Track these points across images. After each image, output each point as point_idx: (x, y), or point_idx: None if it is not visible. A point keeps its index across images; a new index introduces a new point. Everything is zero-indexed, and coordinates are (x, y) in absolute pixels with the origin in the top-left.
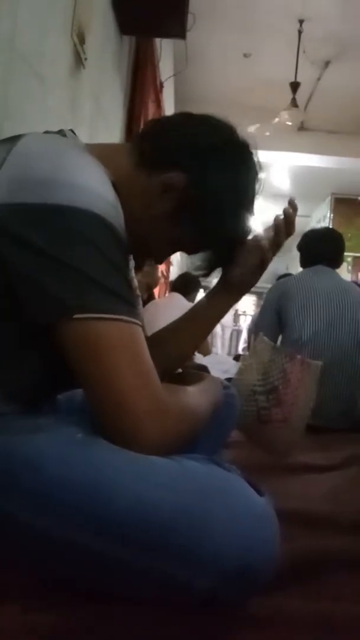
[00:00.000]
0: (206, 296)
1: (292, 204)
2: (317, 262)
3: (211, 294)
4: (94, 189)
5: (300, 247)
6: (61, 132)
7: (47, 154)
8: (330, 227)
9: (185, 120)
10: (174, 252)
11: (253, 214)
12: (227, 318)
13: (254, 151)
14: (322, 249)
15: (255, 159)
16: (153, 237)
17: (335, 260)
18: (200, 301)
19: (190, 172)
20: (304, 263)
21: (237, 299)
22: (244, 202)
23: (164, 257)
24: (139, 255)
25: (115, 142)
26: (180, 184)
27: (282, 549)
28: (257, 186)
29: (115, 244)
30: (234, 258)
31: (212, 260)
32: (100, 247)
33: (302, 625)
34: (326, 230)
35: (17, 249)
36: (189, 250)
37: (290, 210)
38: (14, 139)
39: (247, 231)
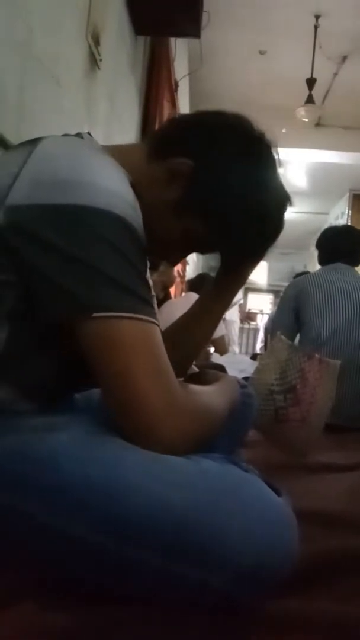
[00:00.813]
0: (208, 289)
1: None
2: (335, 259)
3: (213, 283)
4: (113, 189)
5: (318, 245)
6: (79, 135)
7: (66, 155)
8: (349, 224)
9: (197, 113)
10: (187, 251)
11: (274, 212)
12: (231, 312)
13: (270, 141)
14: (340, 246)
15: (273, 153)
16: (163, 231)
17: (354, 258)
18: (205, 291)
19: (197, 158)
20: (322, 260)
21: (240, 283)
22: (257, 192)
23: (177, 257)
24: (153, 256)
25: (131, 142)
26: (187, 169)
27: (301, 550)
28: (276, 182)
29: (134, 243)
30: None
31: (224, 261)
32: (119, 247)
33: (320, 628)
34: (345, 227)
35: (36, 249)
36: (201, 248)
37: None
38: (34, 142)
39: (263, 229)
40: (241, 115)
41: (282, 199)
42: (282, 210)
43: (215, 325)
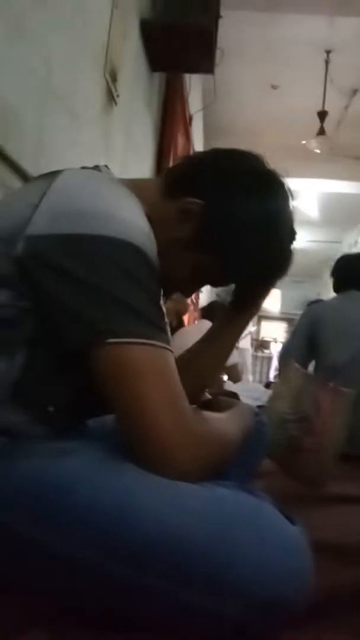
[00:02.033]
0: (224, 314)
1: None
2: (349, 287)
3: (226, 314)
4: (130, 220)
5: (333, 272)
6: (96, 168)
7: (85, 187)
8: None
9: (211, 152)
10: (198, 284)
11: (284, 247)
12: (244, 340)
13: (283, 180)
14: (355, 273)
15: (285, 187)
16: (176, 266)
17: None
18: (219, 320)
19: (207, 197)
20: (337, 288)
21: (254, 312)
22: (268, 232)
23: (189, 290)
24: (166, 287)
25: (147, 177)
26: (197, 209)
27: (315, 582)
28: (286, 217)
29: (149, 272)
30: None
31: (238, 294)
32: (134, 275)
33: None
34: (356, 255)
35: (54, 276)
36: (212, 282)
37: None
38: (53, 175)
39: (274, 264)
40: (252, 153)
41: (290, 233)
42: (290, 243)
43: (228, 353)
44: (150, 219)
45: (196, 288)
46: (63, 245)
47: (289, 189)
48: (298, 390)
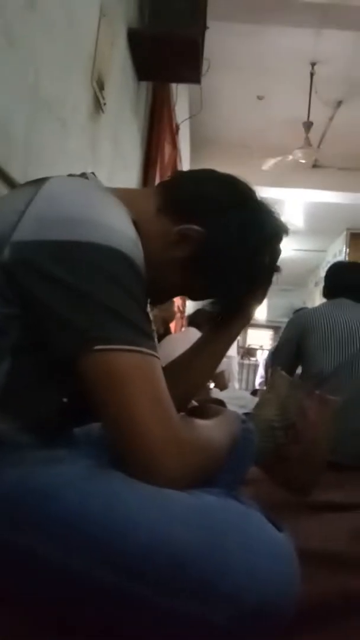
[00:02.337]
0: (215, 323)
1: None
2: (339, 294)
3: (216, 324)
4: (117, 227)
5: (325, 279)
6: (83, 175)
7: (71, 194)
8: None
9: (209, 176)
10: (176, 296)
11: (266, 276)
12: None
13: (274, 211)
14: (345, 280)
15: (276, 218)
16: (161, 278)
17: (358, 294)
18: (210, 329)
19: (209, 228)
20: (327, 294)
21: (245, 322)
22: (257, 264)
23: (164, 300)
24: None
25: (135, 188)
26: (198, 237)
27: (302, 590)
28: (275, 247)
29: (136, 279)
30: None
31: (217, 307)
32: (122, 282)
33: None
34: (352, 263)
35: (40, 283)
36: (193, 298)
37: None
38: (40, 181)
39: (255, 291)
40: (244, 182)
41: (277, 253)
42: (275, 263)
43: (217, 363)
44: (137, 228)
45: (170, 298)
46: (50, 252)
47: (279, 218)
48: (284, 397)
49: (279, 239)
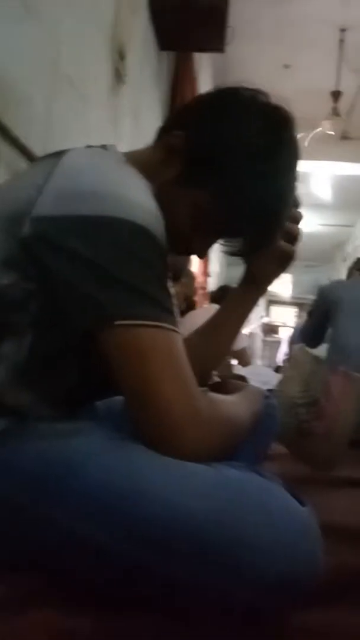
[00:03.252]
0: (231, 295)
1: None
2: None
3: (236, 292)
4: (138, 201)
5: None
6: (103, 147)
7: (91, 167)
8: None
9: (229, 112)
10: (204, 236)
11: (286, 178)
12: (254, 325)
13: (286, 110)
14: None
15: (289, 116)
16: (175, 216)
17: None
18: (227, 301)
19: (189, 128)
20: (358, 268)
21: (261, 293)
22: (265, 157)
23: (199, 246)
24: (180, 252)
25: (150, 145)
26: (179, 141)
27: (325, 564)
28: (289, 146)
29: (157, 253)
30: (272, 239)
31: (249, 242)
32: (142, 256)
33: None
34: None
35: (61, 258)
36: (218, 231)
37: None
38: (58, 155)
39: (275, 199)
40: (265, 101)
41: (293, 167)
42: (293, 177)
43: (235, 335)
44: (159, 195)
45: (205, 243)
46: (70, 227)
47: (293, 120)
48: (308, 374)
49: (289, 134)
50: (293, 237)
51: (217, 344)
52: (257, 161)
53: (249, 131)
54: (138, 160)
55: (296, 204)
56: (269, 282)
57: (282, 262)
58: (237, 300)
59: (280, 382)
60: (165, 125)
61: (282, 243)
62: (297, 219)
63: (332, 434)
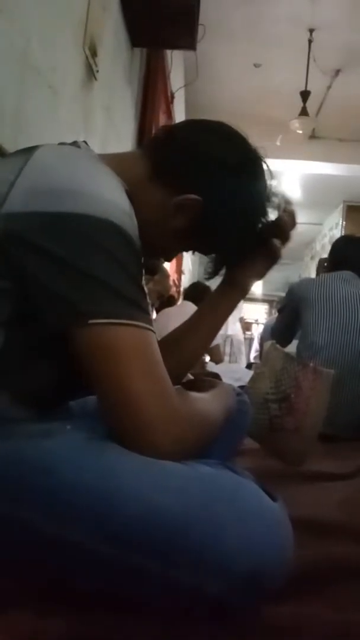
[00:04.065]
0: (211, 296)
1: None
2: (342, 267)
3: (216, 293)
4: (110, 198)
5: (330, 252)
6: (75, 144)
7: (63, 164)
8: (343, 234)
9: (198, 132)
10: (182, 251)
11: (266, 218)
12: (235, 328)
13: (265, 163)
14: (349, 254)
15: (266, 169)
16: (164, 243)
17: None
18: (206, 302)
19: (205, 193)
20: (330, 267)
21: (241, 295)
22: (257, 218)
23: (172, 256)
24: (148, 256)
25: (126, 151)
26: (196, 206)
27: (294, 557)
28: (270, 196)
29: (131, 251)
30: (243, 259)
31: (220, 261)
32: (116, 255)
33: (314, 634)
34: (356, 238)
35: (34, 256)
36: (200, 251)
37: (285, 218)
38: (30, 150)
39: (255, 241)
40: (239, 132)
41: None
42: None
43: (213, 336)
44: (131, 195)
45: (176, 250)
46: (41, 224)
47: (269, 170)
48: (279, 370)
49: (279, 196)
50: (284, 236)
51: (193, 344)
52: (255, 221)
53: (253, 202)
54: (121, 166)
55: (289, 202)
56: (251, 283)
57: (267, 263)
58: (216, 302)
59: (252, 379)
60: (165, 162)
61: (273, 241)
62: (292, 216)
63: (302, 428)
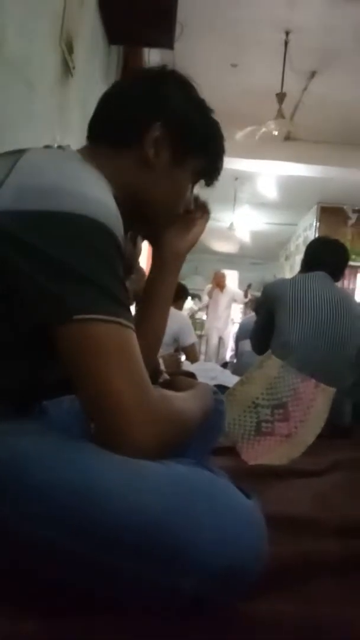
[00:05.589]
0: (152, 269)
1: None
2: (316, 268)
3: (150, 279)
4: (97, 198)
5: (304, 253)
6: (60, 147)
7: (52, 164)
8: (317, 235)
9: (110, 91)
10: (193, 182)
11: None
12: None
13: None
14: (322, 255)
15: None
16: (175, 189)
17: (335, 271)
18: (144, 290)
19: (156, 115)
20: (304, 268)
21: (172, 271)
22: (209, 109)
23: (189, 201)
24: (175, 216)
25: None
26: (160, 131)
27: (269, 553)
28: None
29: (115, 250)
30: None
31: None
32: (101, 252)
33: (289, 629)
34: (332, 240)
35: (21, 253)
36: (207, 167)
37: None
38: (19, 152)
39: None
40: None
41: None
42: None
43: (162, 320)
44: (121, 187)
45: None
46: (30, 222)
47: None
48: (274, 378)
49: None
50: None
51: (147, 335)
52: (205, 108)
53: (190, 97)
54: (94, 161)
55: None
56: (179, 256)
57: (188, 227)
58: (153, 287)
59: (241, 382)
60: (117, 125)
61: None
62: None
63: (294, 435)
